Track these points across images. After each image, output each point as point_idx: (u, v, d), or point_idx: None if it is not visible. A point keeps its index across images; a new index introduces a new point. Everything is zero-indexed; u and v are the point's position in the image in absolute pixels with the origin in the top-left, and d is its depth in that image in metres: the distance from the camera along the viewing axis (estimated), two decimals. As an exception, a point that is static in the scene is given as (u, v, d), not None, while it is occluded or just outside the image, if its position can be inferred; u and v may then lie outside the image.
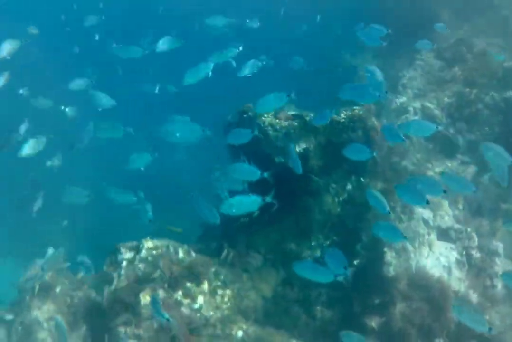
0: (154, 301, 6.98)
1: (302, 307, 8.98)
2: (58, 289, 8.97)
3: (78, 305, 8.85)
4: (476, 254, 9.22)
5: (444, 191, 6.96)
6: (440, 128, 7.53)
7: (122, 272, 8.43)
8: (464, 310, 6.64)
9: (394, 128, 7.45)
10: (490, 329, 6.43)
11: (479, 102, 10.90)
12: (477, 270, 9.21)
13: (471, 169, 10.30)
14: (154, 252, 8.55)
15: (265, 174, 7.32)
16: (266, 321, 8.77)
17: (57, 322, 7.69)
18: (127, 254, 8.61)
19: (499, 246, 9.49)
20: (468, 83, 11.14)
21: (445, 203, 9.56)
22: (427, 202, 6.84)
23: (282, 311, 8.97)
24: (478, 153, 10.39)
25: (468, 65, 11.59)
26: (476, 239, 9.30)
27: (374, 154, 7.65)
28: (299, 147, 8.81)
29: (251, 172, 7.35)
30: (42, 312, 8.88)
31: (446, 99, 11.06)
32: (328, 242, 9.12)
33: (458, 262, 9.18)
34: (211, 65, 8.43)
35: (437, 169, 10.11)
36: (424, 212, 9.35)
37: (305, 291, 9.00)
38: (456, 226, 9.34)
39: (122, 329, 8.10)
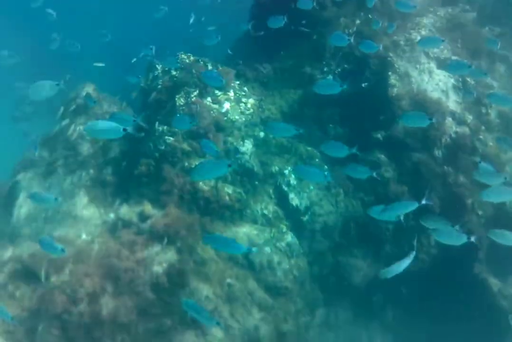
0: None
1: (317, 124, 12.36)
2: (97, 109, 12.42)
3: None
4: (471, 81, 12.57)
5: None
6: None
7: (160, 81, 11.90)
8: None
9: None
10: None
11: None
12: (472, 97, 12.55)
13: (471, 16, 13.74)
14: (187, 61, 12.00)
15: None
16: (285, 132, 12.17)
17: None
18: (162, 67, 12.10)
19: (493, 82, 12.87)
20: None
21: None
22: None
23: (299, 126, 12.39)
24: (478, 2, 13.91)
25: None
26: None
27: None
28: None
29: None
30: (85, 126, 12.25)
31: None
32: (339, 69, 12.60)
33: (455, 87, 12.26)
34: None
35: (438, 13, 13.55)
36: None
37: (320, 110, 12.43)
38: (454, 57, 12.68)
39: (159, 127, 11.55)
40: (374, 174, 8.91)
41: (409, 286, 11.39)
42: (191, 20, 11.97)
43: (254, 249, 7.72)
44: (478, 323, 10.55)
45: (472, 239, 8.25)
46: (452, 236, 8.51)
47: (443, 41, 10.37)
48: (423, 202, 8.28)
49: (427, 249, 11.36)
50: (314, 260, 11.18)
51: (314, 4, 10.58)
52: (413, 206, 8.40)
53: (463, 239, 8.31)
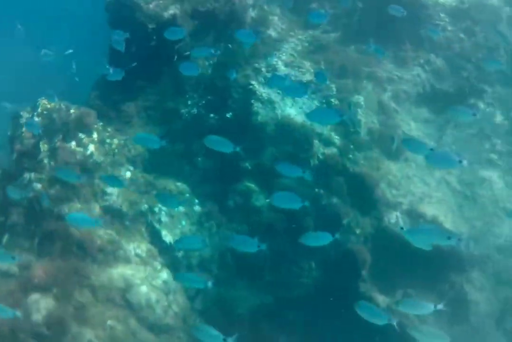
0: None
1: (186, 158, 13.06)
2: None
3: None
4: (335, 101, 13.36)
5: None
6: None
7: (23, 129, 12.58)
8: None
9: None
10: None
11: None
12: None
13: (333, 36, 14.68)
14: (48, 107, 12.70)
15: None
16: (153, 169, 12.98)
17: None
18: (26, 115, 12.77)
19: (360, 98, 13.74)
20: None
21: (307, 63, 13.86)
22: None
23: (168, 162, 13.15)
24: (341, 22, 14.87)
25: None
26: (335, 89, 13.43)
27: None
28: (167, 13, 13.07)
29: None
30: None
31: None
32: (203, 101, 13.40)
33: None
34: None
35: (300, 37, 14.43)
36: (286, 70, 13.57)
37: (188, 144, 13.17)
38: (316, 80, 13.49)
39: (26, 175, 12.21)
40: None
41: (296, 311, 12.02)
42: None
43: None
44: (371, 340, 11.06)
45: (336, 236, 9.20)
46: (320, 238, 9.53)
47: (285, 76, 10.95)
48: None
49: (309, 273, 12.01)
50: (196, 294, 11.71)
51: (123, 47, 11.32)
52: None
53: (329, 238, 9.33)
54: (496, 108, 14.18)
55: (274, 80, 11.53)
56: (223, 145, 9.76)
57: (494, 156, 13.19)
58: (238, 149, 9.56)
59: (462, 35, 14.46)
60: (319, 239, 9.50)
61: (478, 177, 13.08)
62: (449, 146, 13.30)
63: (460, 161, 8.18)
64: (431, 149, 8.75)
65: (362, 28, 14.30)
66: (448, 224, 12.09)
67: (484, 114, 13.89)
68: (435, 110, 13.61)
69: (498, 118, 14.00)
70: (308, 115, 10.62)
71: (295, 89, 10.81)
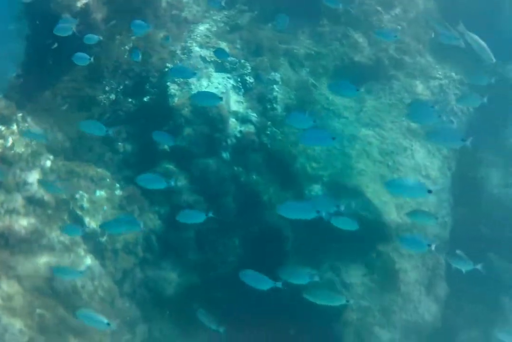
0: None
1: (106, 145, 13.43)
2: None
3: None
4: (250, 79, 13.63)
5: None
6: None
7: None
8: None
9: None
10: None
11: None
12: (255, 95, 13.70)
13: (247, 16, 14.89)
14: None
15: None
16: (73, 157, 13.17)
17: None
18: None
19: (276, 76, 14.02)
20: None
21: (223, 43, 14.10)
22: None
23: (88, 149, 13.37)
24: (258, 1, 15.08)
25: None
26: (250, 67, 13.66)
27: None
28: (80, 2, 13.19)
29: None
30: None
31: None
32: (121, 87, 13.61)
33: (234, 87, 13.24)
34: None
35: (215, 17, 14.71)
36: (201, 51, 13.88)
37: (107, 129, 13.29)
38: (231, 59, 13.70)
39: None
40: None
41: (223, 290, 12.34)
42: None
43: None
44: (298, 315, 11.59)
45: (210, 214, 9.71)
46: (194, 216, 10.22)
47: (195, 74, 11.30)
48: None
49: (233, 251, 12.37)
50: (123, 278, 11.95)
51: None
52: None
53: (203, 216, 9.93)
54: (417, 78, 14.22)
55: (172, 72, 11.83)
56: (95, 128, 10.28)
57: (415, 125, 13.31)
58: (110, 131, 10.13)
59: (379, 8, 14.34)
60: (193, 217, 9.75)
61: (400, 147, 13.20)
62: (369, 117, 13.40)
63: (333, 138, 8.36)
64: (314, 121, 8.92)
65: (278, 6, 14.27)
66: (369, 194, 12.14)
67: (404, 85, 14.02)
68: (354, 83, 13.74)
69: (419, 88, 14.06)
70: (191, 97, 11.49)
71: (182, 72, 11.01)
